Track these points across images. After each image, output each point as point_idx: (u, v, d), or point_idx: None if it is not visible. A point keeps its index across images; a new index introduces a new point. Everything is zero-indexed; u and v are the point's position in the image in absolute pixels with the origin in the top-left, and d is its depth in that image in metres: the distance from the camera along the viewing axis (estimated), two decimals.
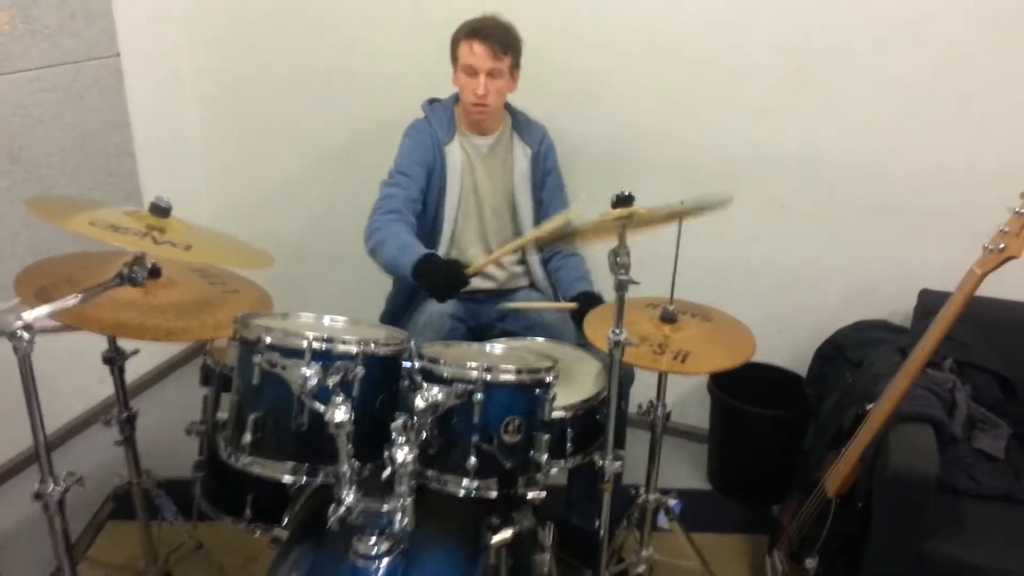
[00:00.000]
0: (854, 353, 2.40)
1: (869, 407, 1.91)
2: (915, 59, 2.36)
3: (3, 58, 2.42)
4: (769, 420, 2.56)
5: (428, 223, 2.32)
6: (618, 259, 1.61)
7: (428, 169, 2.28)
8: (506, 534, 1.55)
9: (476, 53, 2.16)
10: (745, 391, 2.56)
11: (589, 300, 2.18)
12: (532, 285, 2.46)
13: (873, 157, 2.48)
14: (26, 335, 1.34)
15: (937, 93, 2.37)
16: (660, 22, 2.56)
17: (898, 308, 2.55)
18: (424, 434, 1.51)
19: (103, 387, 1.95)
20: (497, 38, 2.17)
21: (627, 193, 1.67)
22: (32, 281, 1.69)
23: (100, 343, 1.89)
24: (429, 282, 2.05)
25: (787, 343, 2.71)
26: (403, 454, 1.39)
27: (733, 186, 2.62)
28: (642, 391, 2.17)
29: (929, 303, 2.38)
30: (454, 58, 2.22)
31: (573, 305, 2.17)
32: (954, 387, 2.13)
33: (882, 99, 2.43)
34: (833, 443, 2.07)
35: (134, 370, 2.00)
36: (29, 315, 1.36)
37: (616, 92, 2.68)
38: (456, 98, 2.34)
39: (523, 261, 2.44)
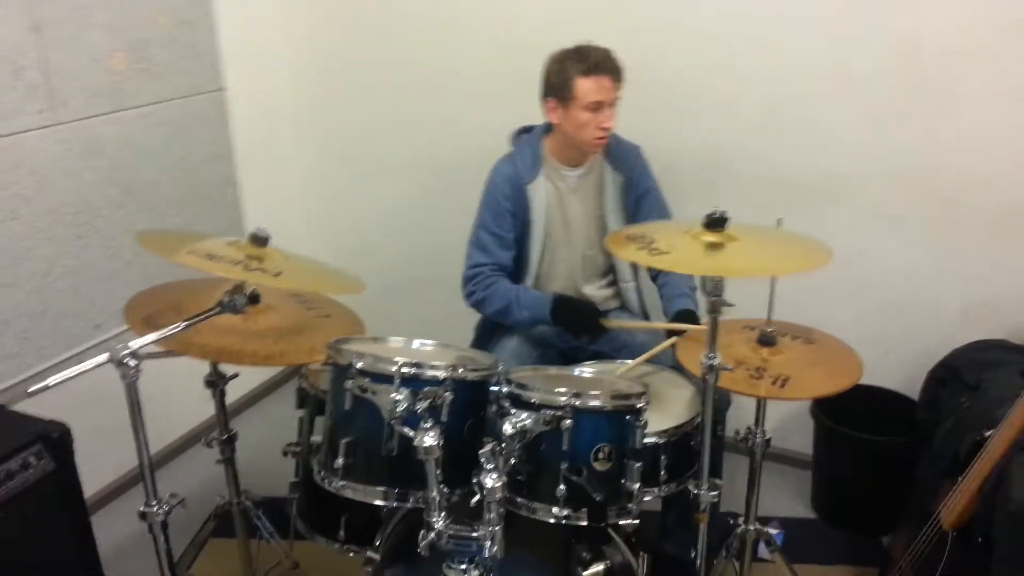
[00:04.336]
0: (971, 375, 2.25)
1: (988, 434, 1.80)
2: None
3: (119, 96, 2.56)
4: (879, 447, 2.42)
5: (514, 259, 2.31)
6: (711, 280, 1.57)
7: (511, 212, 2.24)
8: (597, 569, 1.52)
9: (605, 87, 2.08)
10: (852, 415, 2.44)
11: (685, 319, 2.12)
12: (623, 307, 2.41)
13: (994, 164, 2.32)
14: (132, 362, 1.40)
15: None
16: (761, 23, 2.45)
17: (1018, 327, 2.38)
18: (513, 460, 1.51)
19: (205, 407, 2.01)
20: (617, 67, 2.11)
21: (719, 213, 1.62)
22: (141, 308, 1.78)
23: (202, 366, 1.96)
24: (568, 323, 2.18)
25: (897, 364, 2.55)
26: (492, 480, 1.38)
27: (837, 197, 2.51)
28: (740, 415, 2.10)
29: None
30: (567, 96, 2.10)
31: (671, 333, 2.08)
32: None
33: (1005, 102, 2.26)
34: (948, 472, 1.95)
35: (233, 391, 2.07)
36: (135, 343, 1.42)
37: (712, 102, 2.58)
38: (545, 130, 2.28)
39: (614, 283, 2.40)
